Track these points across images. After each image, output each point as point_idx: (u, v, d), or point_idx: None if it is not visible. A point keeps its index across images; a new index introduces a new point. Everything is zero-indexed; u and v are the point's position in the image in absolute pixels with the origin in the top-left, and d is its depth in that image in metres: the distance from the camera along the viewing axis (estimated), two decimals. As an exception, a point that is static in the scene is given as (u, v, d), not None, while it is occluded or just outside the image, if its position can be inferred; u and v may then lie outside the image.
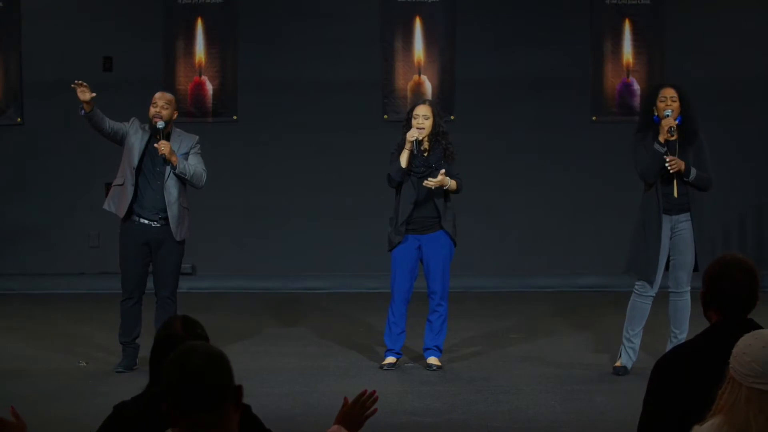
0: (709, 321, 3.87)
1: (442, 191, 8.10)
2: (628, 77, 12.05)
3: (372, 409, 3.58)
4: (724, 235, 12.05)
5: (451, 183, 8.05)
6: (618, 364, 7.95)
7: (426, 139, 8.11)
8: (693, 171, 7.72)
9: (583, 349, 8.84)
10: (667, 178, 7.76)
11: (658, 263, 7.78)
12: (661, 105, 7.77)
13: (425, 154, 8.12)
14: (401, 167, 8.05)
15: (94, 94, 7.85)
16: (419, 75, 12.17)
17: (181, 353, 2.86)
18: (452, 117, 12.07)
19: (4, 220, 12.17)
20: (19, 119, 12.21)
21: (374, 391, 3.59)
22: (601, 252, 11.82)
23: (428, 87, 12.16)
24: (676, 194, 7.77)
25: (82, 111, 7.91)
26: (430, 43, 12.17)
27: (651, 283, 7.81)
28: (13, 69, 12.16)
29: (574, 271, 11.97)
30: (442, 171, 8.01)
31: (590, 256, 11.97)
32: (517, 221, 12.15)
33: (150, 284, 8.17)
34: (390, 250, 8.24)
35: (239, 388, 2.84)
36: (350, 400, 3.60)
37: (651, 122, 7.82)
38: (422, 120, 8.11)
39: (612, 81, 12.10)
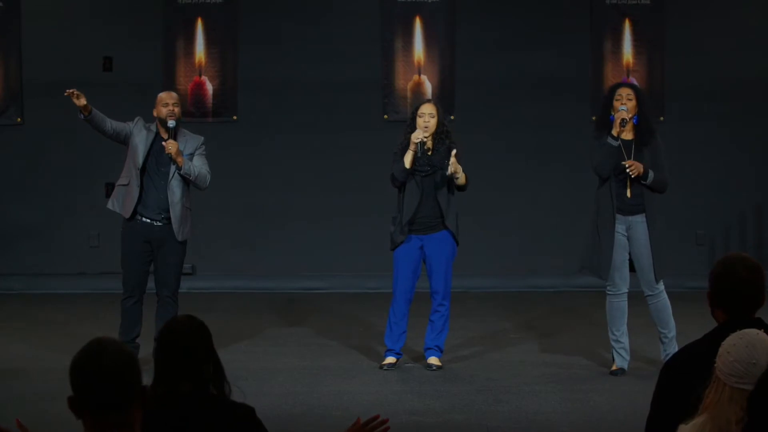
0: (717, 321, 3.85)
1: (446, 189, 8.08)
2: (628, 77, 12.04)
3: None
4: (724, 235, 12.05)
5: (463, 174, 8.04)
6: (614, 368, 7.94)
7: (430, 138, 8.10)
8: (651, 174, 7.75)
9: (583, 349, 8.84)
10: (621, 178, 7.79)
11: (612, 261, 7.79)
12: (616, 104, 7.81)
13: (429, 153, 8.11)
14: (405, 168, 8.03)
15: (85, 98, 7.86)
16: (419, 75, 12.17)
17: (91, 350, 2.85)
18: (452, 117, 12.07)
19: (4, 220, 12.17)
20: (19, 119, 12.20)
21: (386, 419, 3.63)
22: (601, 252, 11.80)
23: (428, 87, 12.16)
24: (629, 194, 7.80)
25: (81, 116, 7.94)
26: (430, 43, 12.17)
27: (614, 281, 7.81)
28: (13, 69, 12.16)
29: (574, 271, 11.96)
30: (454, 151, 7.95)
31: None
32: (517, 221, 12.14)
33: (151, 284, 8.17)
34: (393, 249, 8.24)
35: (144, 389, 2.84)
36: (362, 420, 3.64)
37: (608, 122, 7.86)
38: (428, 118, 8.09)
39: (612, 81, 12.05)
